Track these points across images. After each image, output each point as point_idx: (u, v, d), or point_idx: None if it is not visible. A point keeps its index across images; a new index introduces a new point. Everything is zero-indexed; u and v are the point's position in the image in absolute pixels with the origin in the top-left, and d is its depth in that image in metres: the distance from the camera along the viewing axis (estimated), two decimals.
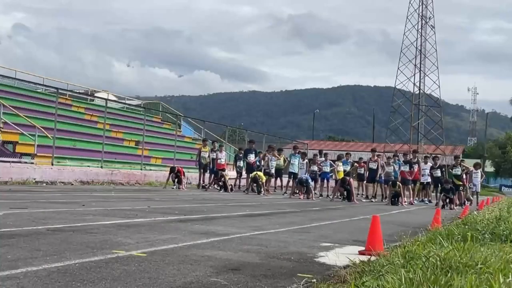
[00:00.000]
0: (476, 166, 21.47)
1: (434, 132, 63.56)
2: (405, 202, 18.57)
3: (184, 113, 49.62)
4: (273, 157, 21.53)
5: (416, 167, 19.72)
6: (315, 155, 23.28)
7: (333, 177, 21.45)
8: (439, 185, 18.87)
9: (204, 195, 16.28)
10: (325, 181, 21.71)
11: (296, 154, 21.38)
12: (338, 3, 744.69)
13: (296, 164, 20.94)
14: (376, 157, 20.66)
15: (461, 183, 18.93)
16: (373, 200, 19.51)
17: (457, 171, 19.10)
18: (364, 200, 19.61)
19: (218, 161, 21.26)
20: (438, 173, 20.19)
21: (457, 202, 19.21)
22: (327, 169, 21.20)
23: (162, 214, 8.56)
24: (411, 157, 20.28)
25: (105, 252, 4.59)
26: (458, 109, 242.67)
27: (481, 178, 21.53)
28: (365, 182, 20.97)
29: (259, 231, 7.06)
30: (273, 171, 21.49)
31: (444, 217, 10.84)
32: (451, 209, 17.09)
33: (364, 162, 21.02)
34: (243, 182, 22.37)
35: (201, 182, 21.25)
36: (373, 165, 20.27)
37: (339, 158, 21.74)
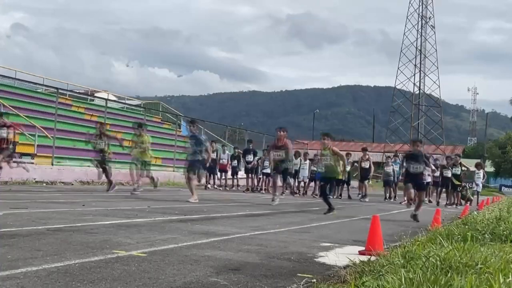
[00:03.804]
0: (478, 166, 21.38)
1: (434, 132, 63.67)
2: (404, 202, 18.56)
3: (184, 113, 49.61)
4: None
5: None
6: (315, 155, 23.25)
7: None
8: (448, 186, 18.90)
9: (204, 195, 16.28)
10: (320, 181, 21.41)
11: None
12: (337, 3, 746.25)
13: None
14: (367, 156, 20.42)
15: (459, 182, 18.83)
16: (366, 199, 19.16)
17: (456, 170, 18.99)
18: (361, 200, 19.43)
19: (221, 161, 21.37)
20: (448, 173, 19.87)
21: (455, 201, 19.17)
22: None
23: (162, 214, 8.56)
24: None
25: (105, 252, 4.59)
26: (458, 109, 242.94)
27: (482, 178, 21.45)
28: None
29: (259, 231, 7.06)
30: (269, 170, 21.41)
31: (444, 217, 10.84)
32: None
33: (356, 162, 20.84)
34: (242, 182, 22.37)
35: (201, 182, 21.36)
36: (365, 164, 20.07)
37: None
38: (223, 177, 22.21)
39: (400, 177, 18.10)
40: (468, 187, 21.12)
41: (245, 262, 4.61)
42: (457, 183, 18.75)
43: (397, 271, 3.77)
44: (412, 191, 11.36)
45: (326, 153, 11.49)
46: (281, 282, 3.91)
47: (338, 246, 6.01)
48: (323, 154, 11.54)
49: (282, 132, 13.37)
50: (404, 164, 11.62)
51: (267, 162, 21.13)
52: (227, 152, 22.37)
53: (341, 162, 11.57)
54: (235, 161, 21.82)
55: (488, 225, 7.70)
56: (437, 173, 19.81)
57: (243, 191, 20.51)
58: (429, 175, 20.08)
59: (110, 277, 3.67)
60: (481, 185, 21.30)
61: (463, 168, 19.59)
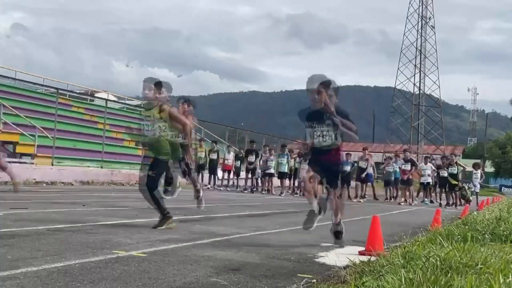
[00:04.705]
0: (475, 166, 21.37)
1: (434, 132, 63.72)
2: (403, 202, 18.53)
3: None
4: (271, 157, 21.47)
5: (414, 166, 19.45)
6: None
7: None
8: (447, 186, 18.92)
9: (204, 195, 16.25)
10: None
11: (284, 153, 21.31)
12: (337, 3, 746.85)
13: (284, 163, 20.84)
14: (367, 156, 20.13)
15: (456, 182, 18.78)
16: (361, 200, 18.90)
17: (453, 170, 18.94)
18: (359, 200, 19.09)
19: (225, 161, 21.43)
20: (445, 173, 19.79)
21: (454, 201, 19.13)
22: None
23: None
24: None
25: (105, 252, 4.59)
26: (458, 109, 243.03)
27: (480, 179, 21.41)
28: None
29: (259, 231, 7.06)
30: (272, 170, 21.41)
31: (444, 217, 10.84)
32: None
33: (356, 162, 20.65)
34: (241, 182, 22.35)
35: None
36: (362, 164, 19.79)
37: None
38: (225, 177, 22.15)
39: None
40: (467, 187, 21.10)
41: (245, 262, 4.61)
42: (454, 182, 18.73)
43: (397, 271, 3.77)
44: (311, 184, 6.09)
45: (156, 116, 6.76)
46: (281, 282, 3.91)
47: (338, 246, 6.01)
48: (149, 117, 6.87)
49: (183, 105, 9.29)
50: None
51: (269, 162, 21.13)
52: (232, 152, 22.34)
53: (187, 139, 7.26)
54: (238, 162, 21.85)
55: (488, 225, 7.70)
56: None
57: (241, 191, 20.52)
58: (429, 175, 20.08)
59: (110, 277, 3.67)
60: (478, 185, 21.26)
61: (460, 167, 19.52)
